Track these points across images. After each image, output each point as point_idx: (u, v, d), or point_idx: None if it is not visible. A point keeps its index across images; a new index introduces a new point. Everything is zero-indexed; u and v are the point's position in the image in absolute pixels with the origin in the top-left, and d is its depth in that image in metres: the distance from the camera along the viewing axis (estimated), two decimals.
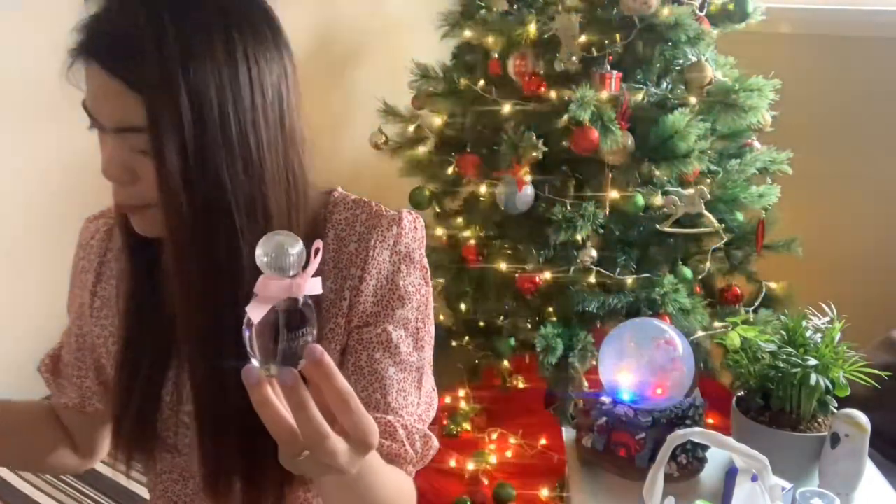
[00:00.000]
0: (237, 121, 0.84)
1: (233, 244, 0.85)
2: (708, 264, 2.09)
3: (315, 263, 0.67)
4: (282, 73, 0.89)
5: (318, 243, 0.69)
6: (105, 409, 1.08)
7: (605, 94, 1.91)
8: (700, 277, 2.10)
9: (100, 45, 0.83)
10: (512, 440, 2.30)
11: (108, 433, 1.13)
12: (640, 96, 1.99)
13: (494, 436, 2.33)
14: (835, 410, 1.37)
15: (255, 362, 0.67)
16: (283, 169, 0.89)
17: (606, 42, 1.96)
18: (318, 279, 0.67)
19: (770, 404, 1.40)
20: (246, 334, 0.67)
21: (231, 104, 0.84)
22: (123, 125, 0.84)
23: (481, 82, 2.13)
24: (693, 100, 1.98)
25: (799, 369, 1.35)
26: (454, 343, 2.26)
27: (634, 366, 1.40)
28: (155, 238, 0.93)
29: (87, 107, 0.87)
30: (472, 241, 2.17)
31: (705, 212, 1.94)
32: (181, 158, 0.82)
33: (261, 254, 0.65)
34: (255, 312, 0.65)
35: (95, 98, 0.85)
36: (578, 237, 1.91)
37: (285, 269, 0.65)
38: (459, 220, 2.26)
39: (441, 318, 2.22)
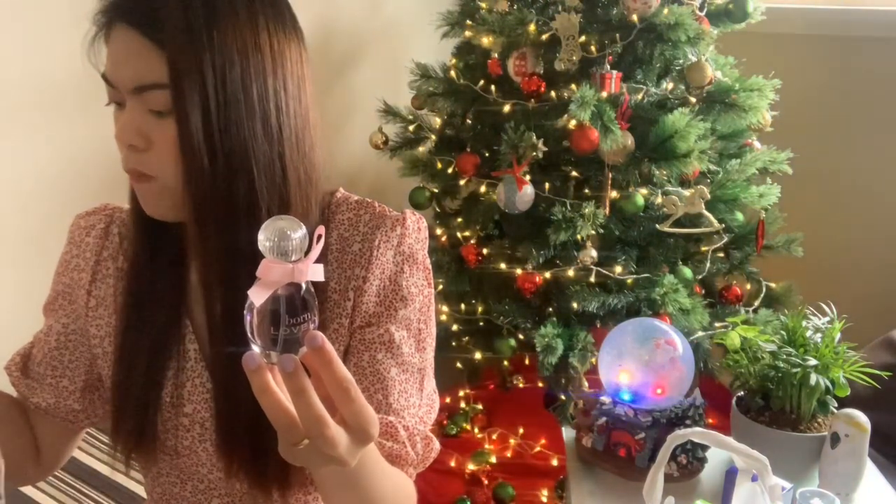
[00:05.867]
0: (258, 84, 0.87)
1: (253, 206, 0.87)
2: (708, 264, 2.09)
3: (317, 249, 0.68)
4: (298, 56, 0.91)
5: (321, 229, 0.69)
6: (81, 411, 1.05)
7: (605, 94, 1.91)
8: (700, 277, 2.10)
9: (126, 5, 0.86)
10: (512, 440, 2.30)
11: (76, 442, 1.11)
12: (640, 96, 1.99)
13: (494, 436, 2.33)
14: (835, 410, 1.37)
15: (255, 348, 0.67)
16: (300, 140, 0.90)
17: (606, 42, 1.96)
18: (321, 266, 0.68)
19: (770, 404, 1.40)
20: (247, 319, 0.67)
21: (253, 68, 0.86)
22: (145, 82, 0.85)
23: (481, 82, 2.13)
24: (693, 100, 1.98)
25: (799, 369, 1.35)
26: (454, 343, 2.26)
27: (634, 366, 1.39)
28: (169, 223, 0.93)
29: (106, 77, 0.88)
30: (472, 241, 2.17)
31: (705, 212, 1.94)
32: (203, 115, 0.84)
33: (263, 238, 0.66)
34: (257, 296, 0.65)
35: (118, 60, 0.87)
36: (578, 237, 1.91)
37: (287, 254, 0.66)
38: (459, 220, 2.26)
39: (441, 318, 2.23)
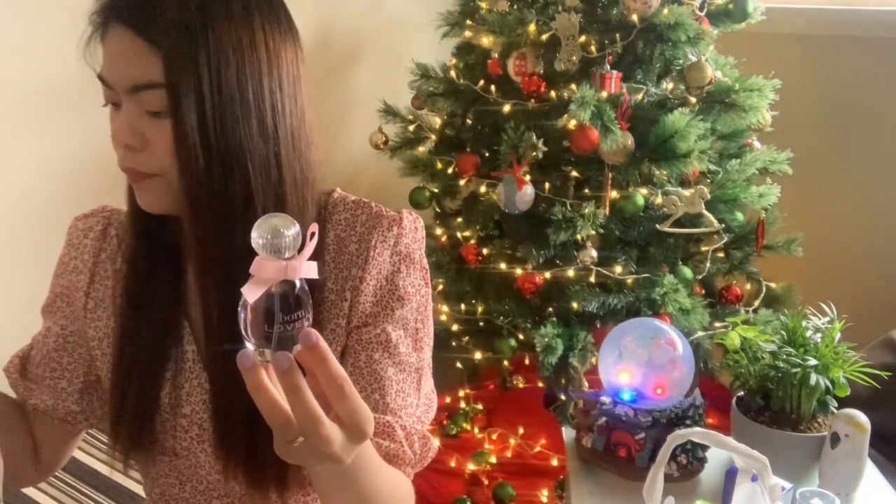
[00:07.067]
0: (254, 83, 0.87)
1: (249, 205, 0.87)
2: (708, 264, 2.09)
3: (311, 246, 0.68)
4: (294, 56, 0.91)
5: (314, 227, 0.69)
6: (79, 412, 1.05)
7: (605, 94, 1.91)
8: (700, 277, 2.10)
9: (121, 6, 0.86)
10: (512, 440, 2.30)
11: (74, 444, 1.11)
12: (640, 96, 1.99)
13: (494, 436, 2.33)
14: (835, 410, 1.37)
15: (249, 346, 0.67)
16: (296, 139, 0.90)
17: (606, 42, 1.96)
18: (314, 263, 0.68)
19: (770, 404, 1.40)
20: (241, 316, 0.67)
21: (248, 67, 0.86)
22: (140, 82, 0.85)
23: (481, 82, 2.13)
24: (693, 100, 1.98)
25: (799, 369, 1.34)
26: (454, 343, 2.26)
27: (634, 366, 1.39)
28: (167, 224, 0.93)
29: (102, 77, 0.88)
30: (472, 241, 2.17)
31: (705, 212, 1.94)
32: (199, 115, 0.84)
33: (256, 235, 0.66)
34: (251, 293, 0.65)
35: (113, 60, 0.87)
36: (578, 237, 1.91)
37: (281, 251, 0.65)
38: (459, 220, 2.26)
39: (441, 318, 2.23)
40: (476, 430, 2.38)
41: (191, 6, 0.84)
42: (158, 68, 0.84)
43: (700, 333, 1.93)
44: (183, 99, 0.83)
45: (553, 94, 2.01)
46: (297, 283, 0.67)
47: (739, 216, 2.10)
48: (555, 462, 2.20)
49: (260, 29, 0.87)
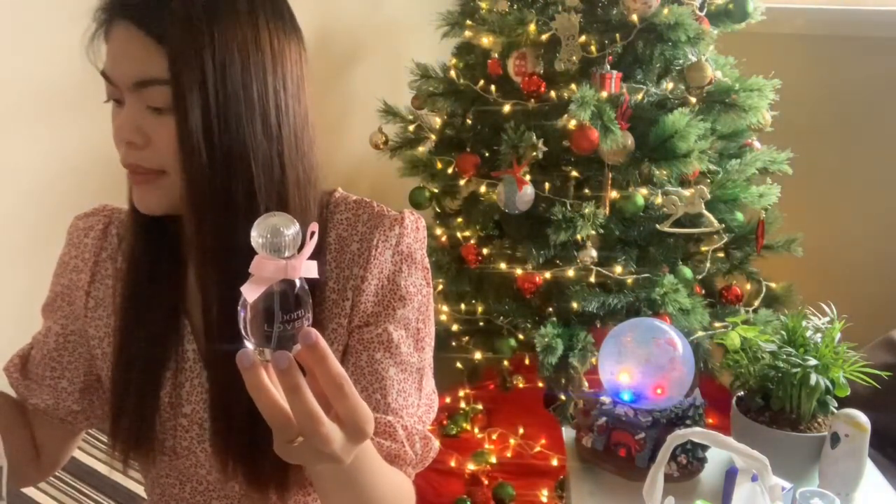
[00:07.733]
0: (258, 82, 0.87)
1: (251, 203, 0.87)
2: (708, 264, 2.09)
3: (311, 245, 0.68)
4: (298, 56, 0.92)
5: (314, 226, 0.69)
6: (80, 412, 1.05)
7: (605, 94, 1.91)
8: (700, 277, 2.10)
9: (127, 2, 0.86)
10: (512, 440, 2.30)
11: (75, 443, 1.11)
12: (640, 96, 1.99)
13: (494, 436, 2.33)
14: (835, 410, 1.37)
15: (249, 346, 0.67)
16: (299, 139, 0.91)
17: (606, 42, 1.96)
18: (314, 262, 0.68)
19: (770, 404, 1.40)
20: (241, 315, 0.67)
21: (253, 66, 0.86)
22: (144, 78, 0.85)
23: (481, 82, 2.13)
24: (693, 100, 1.98)
25: (799, 369, 1.34)
26: (454, 343, 2.26)
27: (634, 366, 1.39)
28: (168, 223, 0.93)
29: (106, 73, 0.88)
30: (472, 241, 2.17)
31: (705, 212, 1.94)
32: (203, 112, 0.84)
33: (256, 234, 0.66)
34: (250, 292, 0.65)
35: (118, 56, 0.87)
36: (578, 237, 1.91)
37: (280, 250, 0.65)
38: (459, 220, 2.26)
39: (441, 318, 2.23)
40: (476, 430, 2.38)
41: (196, 4, 0.84)
42: (163, 65, 0.84)
43: (700, 333, 1.94)
44: (187, 96, 0.83)
45: (553, 94, 2.01)
46: (297, 283, 0.67)
47: (739, 216, 2.10)
48: (555, 462, 2.21)
49: (265, 28, 0.88)
